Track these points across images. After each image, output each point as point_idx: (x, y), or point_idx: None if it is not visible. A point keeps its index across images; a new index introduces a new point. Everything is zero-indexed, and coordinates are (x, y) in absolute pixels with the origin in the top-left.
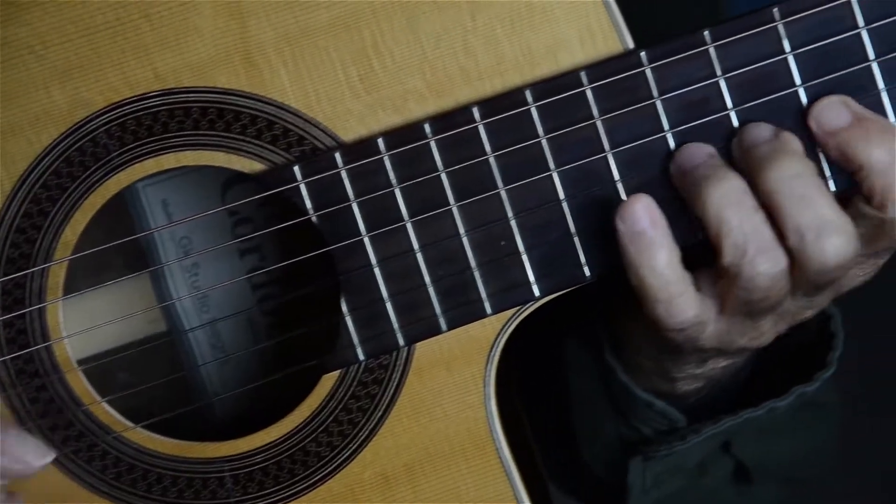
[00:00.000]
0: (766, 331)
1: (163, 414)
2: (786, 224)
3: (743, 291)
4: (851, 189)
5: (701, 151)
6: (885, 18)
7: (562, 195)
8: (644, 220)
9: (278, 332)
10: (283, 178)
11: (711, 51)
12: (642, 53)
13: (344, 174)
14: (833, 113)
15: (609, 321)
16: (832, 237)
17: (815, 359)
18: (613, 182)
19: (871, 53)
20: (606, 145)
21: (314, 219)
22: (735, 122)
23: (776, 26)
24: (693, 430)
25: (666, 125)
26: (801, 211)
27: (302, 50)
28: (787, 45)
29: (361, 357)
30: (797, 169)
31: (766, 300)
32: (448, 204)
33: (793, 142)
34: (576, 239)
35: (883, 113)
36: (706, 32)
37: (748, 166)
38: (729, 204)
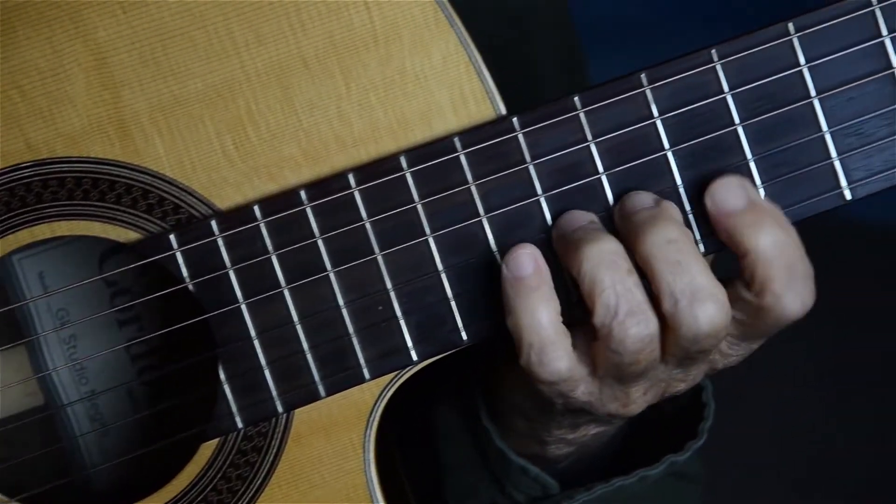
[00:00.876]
0: (637, 399)
1: (39, 487)
2: (661, 289)
3: (613, 353)
4: (733, 272)
5: (582, 217)
6: (749, 84)
7: (438, 260)
8: (528, 266)
9: (157, 402)
10: (160, 246)
11: (581, 116)
12: (514, 119)
13: (220, 242)
14: (730, 194)
15: (486, 381)
16: (705, 304)
17: (687, 428)
18: (489, 246)
19: (736, 118)
20: (481, 210)
21: (191, 287)
22: (607, 186)
23: (644, 91)
24: (567, 496)
25: (539, 189)
26: (676, 277)
27: (176, 119)
28: (654, 110)
29: (240, 425)
30: (673, 235)
31: (636, 364)
32: (325, 270)
33: (671, 209)
34: (453, 303)
35: (750, 176)
36: (576, 98)
37: (627, 231)
38: (603, 264)
